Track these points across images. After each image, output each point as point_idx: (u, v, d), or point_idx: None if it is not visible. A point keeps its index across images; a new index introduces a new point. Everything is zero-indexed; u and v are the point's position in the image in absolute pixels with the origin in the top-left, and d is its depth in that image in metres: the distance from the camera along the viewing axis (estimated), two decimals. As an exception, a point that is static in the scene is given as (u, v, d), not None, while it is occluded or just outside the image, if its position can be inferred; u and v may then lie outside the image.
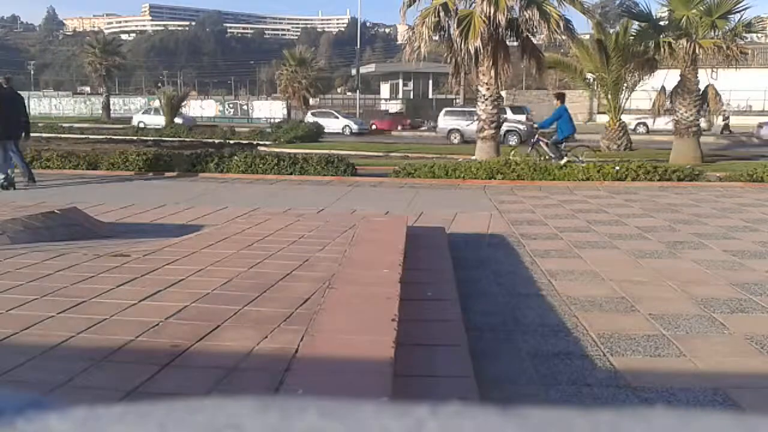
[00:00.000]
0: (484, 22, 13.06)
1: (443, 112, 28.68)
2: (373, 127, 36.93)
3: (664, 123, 22.51)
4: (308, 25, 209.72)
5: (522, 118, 26.69)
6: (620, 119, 20.60)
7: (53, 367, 2.36)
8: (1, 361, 2.36)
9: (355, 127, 35.02)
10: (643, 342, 3.37)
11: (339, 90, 78.87)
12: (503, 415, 0.27)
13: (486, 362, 3.08)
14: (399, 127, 37.12)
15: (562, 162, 11.13)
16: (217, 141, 24.94)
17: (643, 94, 21.48)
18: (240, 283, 3.46)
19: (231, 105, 51.36)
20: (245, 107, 49.58)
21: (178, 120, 34.33)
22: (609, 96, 20.12)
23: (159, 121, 33.84)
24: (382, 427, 0.26)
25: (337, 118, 35.86)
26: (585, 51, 19.45)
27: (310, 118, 35.07)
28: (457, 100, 40.52)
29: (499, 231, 6.39)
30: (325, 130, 33.27)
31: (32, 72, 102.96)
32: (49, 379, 2.22)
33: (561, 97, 12.36)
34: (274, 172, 10.88)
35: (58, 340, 2.58)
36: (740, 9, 15.97)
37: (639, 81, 19.34)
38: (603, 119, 24.08)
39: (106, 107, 44.41)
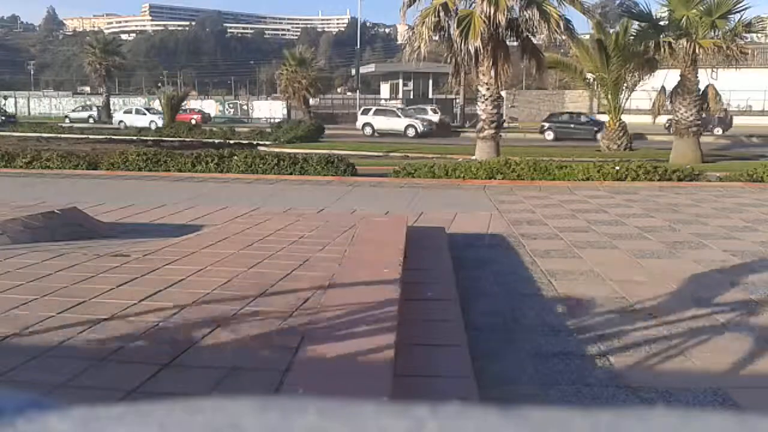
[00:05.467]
0: (484, 22, 13.06)
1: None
2: None
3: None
4: (308, 25, 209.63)
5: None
6: (620, 119, 20.60)
7: (53, 367, 2.36)
8: (1, 361, 2.36)
9: (420, 127, 30.50)
10: (643, 342, 3.37)
11: (339, 90, 78.83)
12: (503, 415, 0.27)
13: (486, 362, 3.08)
14: (192, 121, 36.72)
15: None
16: (217, 141, 24.94)
17: (643, 94, 21.50)
18: (240, 283, 3.46)
19: (231, 105, 51.38)
20: (245, 107, 49.58)
21: (155, 118, 35.35)
22: (609, 96, 20.13)
23: (139, 120, 35.47)
24: (382, 427, 0.26)
25: (399, 117, 31.65)
26: (585, 51, 19.45)
27: (366, 119, 31.82)
28: (457, 100, 40.56)
29: (499, 231, 6.39)
30: (377, 131, 30.33)
31: (32, 72, 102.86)
32: (49, 379, 2.22)
33: None
34: (274, 172, 10.88)
35: (58, 340, 2.58)
36: (740, 9, 15.99)
37: (639, 81, 19.36)
38: (603, 119, 24.10)
39: (106, 107, 44.42)
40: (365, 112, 33.49)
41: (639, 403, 2.68)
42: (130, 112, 38.84)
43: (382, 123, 31.49)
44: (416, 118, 31.74)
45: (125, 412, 0.29)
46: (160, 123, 34.59)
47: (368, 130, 31.66)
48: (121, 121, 36.88)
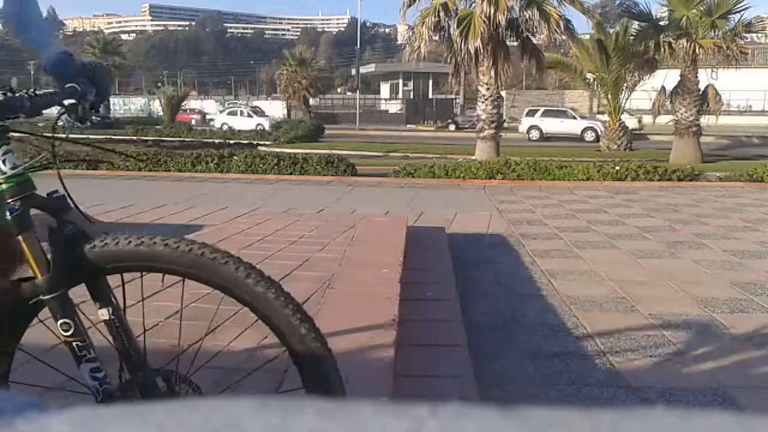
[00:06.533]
0: (484, 22, 13.07)
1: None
2: None
3: None
4: (308, 25, 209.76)
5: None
6: (620, 119, 20.63)
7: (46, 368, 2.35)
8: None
9: (602, 130, 24.99)
10: (643, 342, 3.37)
11: (339, 90, 78.82)
12: (503, 415, 0.27)
13: (486, 362, 3.08)
14: (193, 121, 35.54)
15: None
16: (217, 141, 24.95)
17: (643, 94, 21.52)
18: (240, 283, 3.46)
19: (231, 105, 51.38)
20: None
21: (263, 121, 32.59)
22: (609, 96, 20.14)
23: (244, 123, 32.20)
24: (382, 426, 0.26)
25: (575, 118, 27.84)
26: (585, 51, 19.47)
27: (532, 121, 27.39)
28: (457, 100, 40.56)
29: (499, 231, 6.39)
30: (546, 134, 26.41)
31: (32, 72, 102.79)
32: (49, 379, 2.21)
33: None
34: (274, 172, 10.88)
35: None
36: (740, 9, 16.02)
37: (639, 81, 19.38)
38: (603, 119, 24.12)
39: (106, 107, 44.46)
40: (531, 113, 28.80)
41: (639, 403, 2.68)
42: (235, 114, 34.50)
43: (552, 126, 27.29)
44: (596, 120, 27.33)
45: (125, 413, 0.29)
46: (267, 126, 30.94)
47: (534, 134, 27.51)
48: (224, 123, 32.82)
